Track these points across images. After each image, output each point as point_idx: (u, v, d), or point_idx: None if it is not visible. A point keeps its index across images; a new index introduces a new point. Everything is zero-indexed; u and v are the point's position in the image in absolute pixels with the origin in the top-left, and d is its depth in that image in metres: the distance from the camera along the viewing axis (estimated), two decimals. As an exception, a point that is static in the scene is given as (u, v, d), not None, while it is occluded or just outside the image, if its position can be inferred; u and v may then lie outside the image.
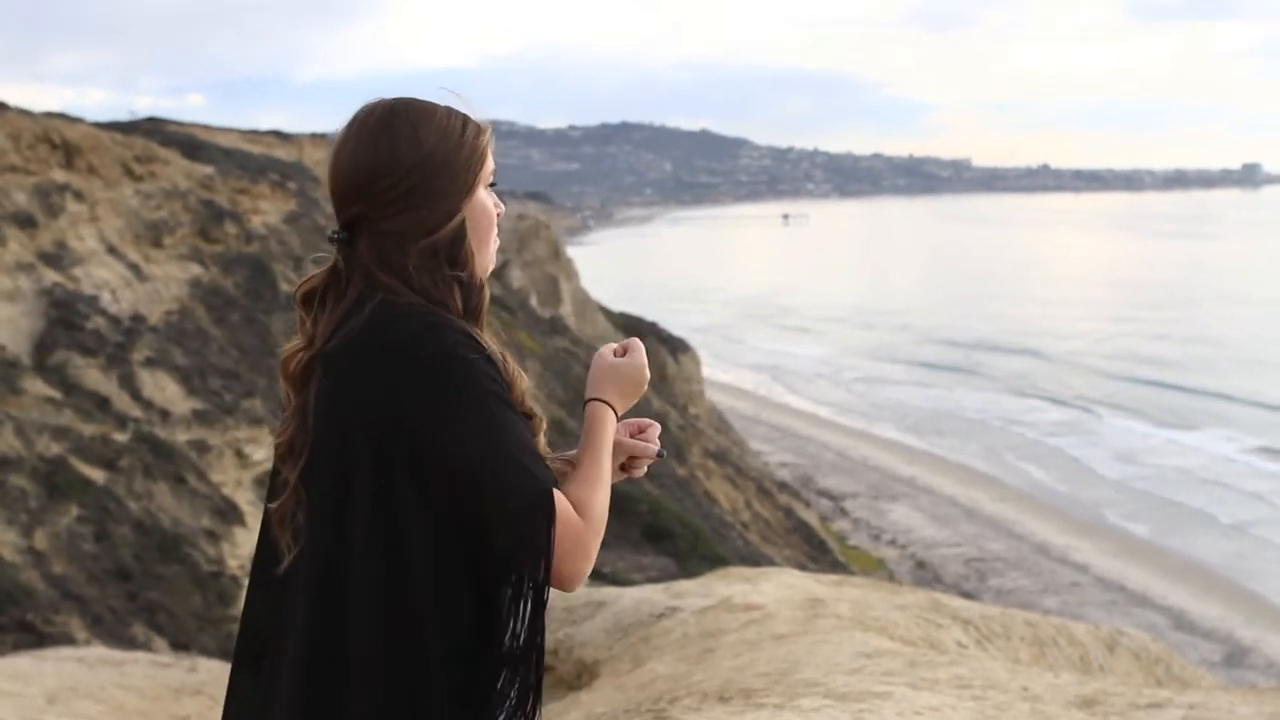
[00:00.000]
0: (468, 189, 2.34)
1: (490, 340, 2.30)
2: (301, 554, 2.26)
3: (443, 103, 2.39)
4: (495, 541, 2.18)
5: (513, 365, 2.29)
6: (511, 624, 2.24)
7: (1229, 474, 47.33)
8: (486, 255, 2.40)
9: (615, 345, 2.53)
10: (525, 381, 2.30)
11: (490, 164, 2.40)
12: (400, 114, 2.33)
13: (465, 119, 2.38)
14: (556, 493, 2.18)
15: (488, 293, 2.37)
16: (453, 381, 2.17)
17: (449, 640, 2.20)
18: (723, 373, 65.09)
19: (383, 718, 2.19)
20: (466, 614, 2.21)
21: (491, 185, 2.43)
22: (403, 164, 2.29)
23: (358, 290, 2.29)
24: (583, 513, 2.22)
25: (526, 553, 2.17)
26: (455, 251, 2.32)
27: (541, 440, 2.30)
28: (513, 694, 2.27)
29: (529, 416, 2.28)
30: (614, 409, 2.42)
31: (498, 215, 2.42)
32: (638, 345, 2.52)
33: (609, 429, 2.39)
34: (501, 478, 2.15)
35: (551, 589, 2.26)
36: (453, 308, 2.29)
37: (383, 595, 2.19)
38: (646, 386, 2.49)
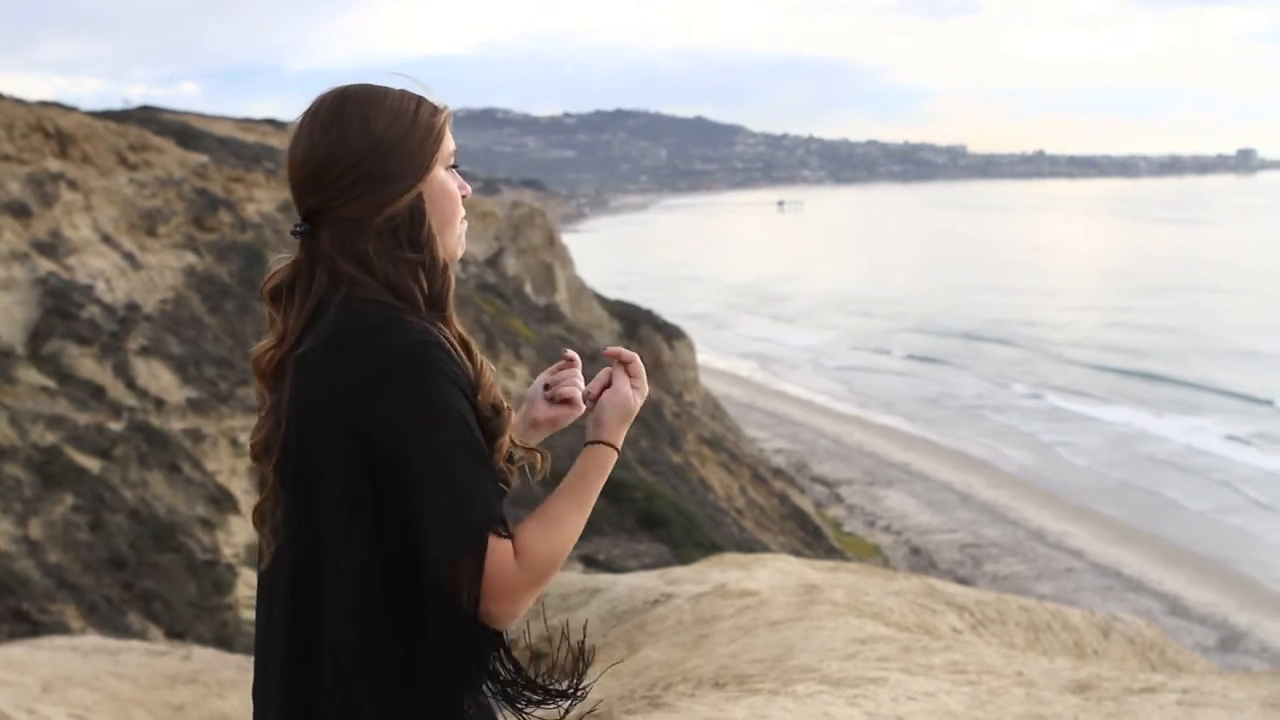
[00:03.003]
0: (424, 169, 2.31)
1: (456, 329, 2.28)
2: (281, 551, 2.27)
3: (397, 87, 2.35)
4: (421, 562, 2.17)
5: (479, 357, 2.28)
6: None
7: (1206, 463, 47.47)
8: (451, 237, 2.36)
9: (627, 373, 2.44)
10: (491, 373, 2.28)
11: (449, 144, 2.36)
12: (350, 100, 2.31)
13: (419, 100, 2.34)
14: (491, 539, 2.15)
15: (453, 276, 2.33)
16: (414, 392, 2.15)
17: (417, 638, 2.20)
18: (718, 359, 65.13)
19: (357, 715, 2.21)
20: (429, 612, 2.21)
21: (453, 167, 2.39)
22: (355, 150, 2.27)
23: (323, 285, 2.27)
24: (522, 556, 2.18)
25: (446, 590, 2.16)
26: (415, 232, 2.29)
27: (508, 436, 2.28)
28: (499, 676, 2.28)
29: (497, 411, 2.26)
30: (619, 452, 2.39)
31: (463, 196, 2.39)
32: (641, 369, 2.46)
33: (605, 475, 2.35)
34: (437, 513, 2.14)
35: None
36: (417, 293, 2.26)
37: (350, 595, 2.19)
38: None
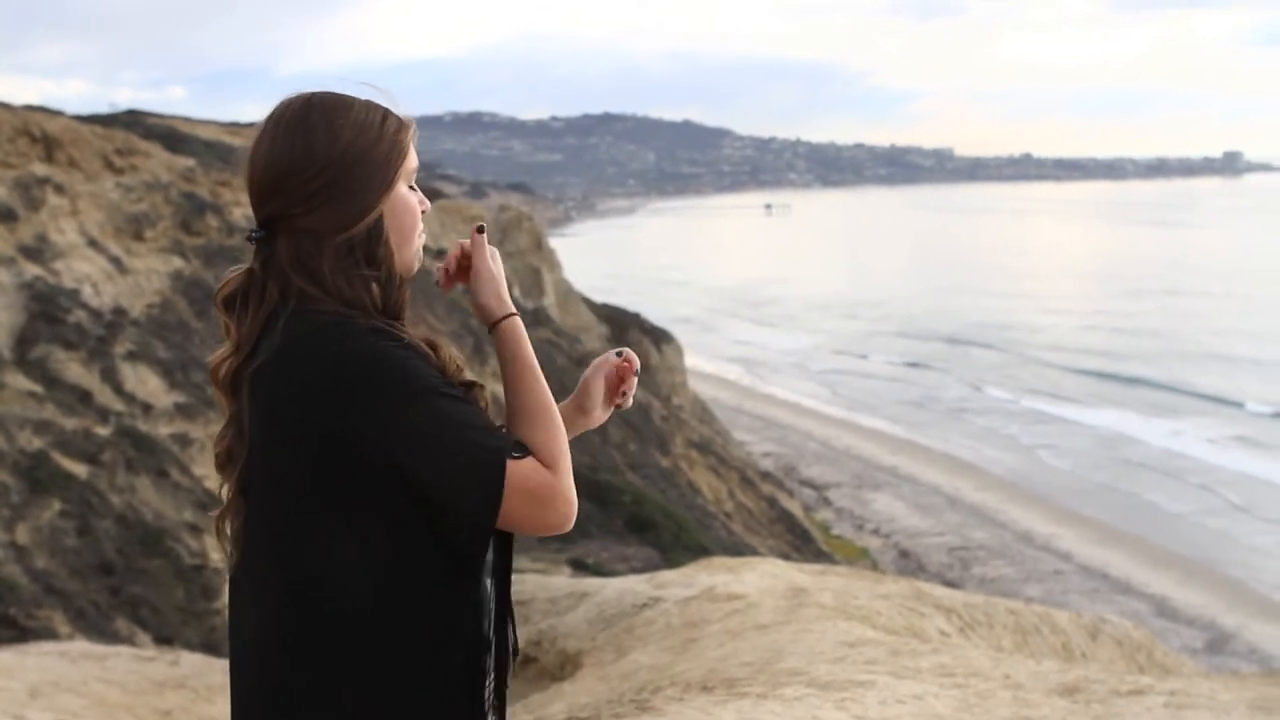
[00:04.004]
0: (386, 184, 2.30)
1: (414, 332, 2.27)
2: (245, 561, 2.28)
3: (363, 96, 2.34)
4: (460, 525, 2.19)
5: (446, 351, 2.28)
6: (470, 615, 2.28)
7: (1185, 465, 47.68)
8: (409, 252, 2.35)
9: (465, 248, 2.44)
10: (456, 362, 2.29)
11: (413, 160, 2.36)
12: (316, 108, 2.29)
13: (385, 112, 2.33)
14: (519, 461, 2.18)
15: (408, 290, 2.33)
16: (376, 381, 2.15)
17: (407, 638, 2.22)
18: (705, 363, 65.15)
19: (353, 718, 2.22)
20: (428, 607, 2.23)
21: (411, 188, 2.37)
22: (318, 159, 2.25)
23: (274, 298, 2.26)
24: (547, 458, 2.22)
25: (487, 528, 2.19)
26: (373, 248, 2.28)
27: (486, 411, 2.29)
28: (486, 686, 2.31)
29: (469, 386, 2.27)
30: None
31: (422, 212, 2.38)
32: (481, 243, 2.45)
33: (528, 343, 2.36)
34: (451, 477, 2.16)
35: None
36: (369, 305, 2.26)
37: (323, 601, 2.21)
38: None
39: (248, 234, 2.33)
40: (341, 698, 2.21)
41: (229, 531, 2.31)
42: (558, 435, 2.26)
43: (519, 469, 2.17)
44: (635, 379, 2.59)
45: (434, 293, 37.47)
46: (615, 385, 2.58)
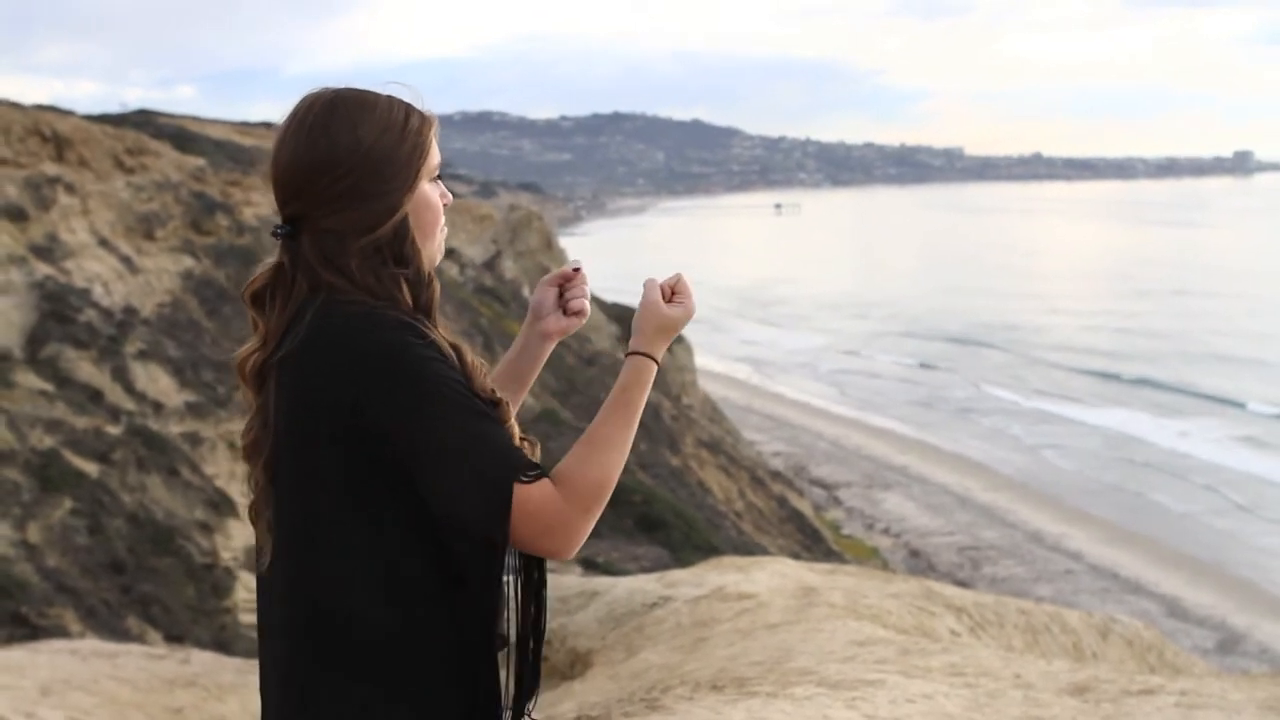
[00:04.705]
0: (409, 184, 2.31)
1: (443, 332, 2.28)
2: (277, 551, 2.28)
3: (385, 92, 2.35)
4: (463, 529, 2.20)
5: (471, 357, 2.27)
6: (494, 609, 2.28)
7: (1190, 466, 47.59)
8: (431, 246, 2.37)
9: (665, 282, 2.53)
10: (484, 372, 2.28)
11: (435, 157, 2.36)
12: (340, 108, 2.30)
13: (408, 111, 2.34)
14: (520, 486, 2.17)
15: (438, 286, 2.34)
16: (398, 376, 2.16)
17: (432, 632, 2.23)
18: (715, 363, 65.08)
19: (372, 714, 2.22)
20: (446, 604, 2.23)
21: (437, 178, 2.39)
22: (342, 162, 2.26)
23: (303, 291, 2.28)
24: (566, 486, 2.21)
25: (493, 539, 2.19)
26: (399, 248, 2.30)
27: (513, 424, 2.28)
28: (507, 682, 2.31)
29: (495, 403, 2.25)
30: (659, 363, 2.42)
31: (444, 205, 2.40)
32: (686, 286, 2.55)
33: (647, 388, 2.37)
34: (458, 484, 2.16)
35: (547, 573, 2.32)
36: (401, 302, 2.26)
37: (351, 590, 2.21)
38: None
39: (273, 229, 2.34)
40: (357, 691, 2.22)
41: (263, 521, 2.32)
42: (602, 467, 2.25)
43: (524, 491, 2.17)
44: (585, 285, 2.65)
45: (444, 290, 37.50)
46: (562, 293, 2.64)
